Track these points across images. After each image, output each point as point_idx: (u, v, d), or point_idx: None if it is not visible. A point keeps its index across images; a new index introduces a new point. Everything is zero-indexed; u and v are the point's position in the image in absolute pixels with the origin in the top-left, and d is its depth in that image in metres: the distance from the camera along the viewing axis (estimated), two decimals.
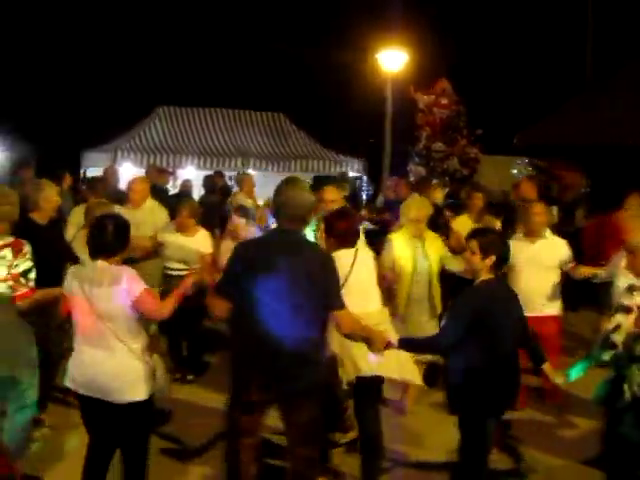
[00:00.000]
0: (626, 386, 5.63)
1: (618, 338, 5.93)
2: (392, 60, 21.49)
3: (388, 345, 5.42)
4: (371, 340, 5.39)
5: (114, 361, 5.15)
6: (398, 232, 8.28)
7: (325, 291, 5.13)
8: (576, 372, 5.87)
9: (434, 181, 15.80)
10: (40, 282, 5.85)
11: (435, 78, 22.54)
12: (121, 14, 34.73)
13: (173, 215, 9.23)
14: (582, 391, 7.28)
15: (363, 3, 29.75)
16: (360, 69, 25.66)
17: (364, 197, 22.36)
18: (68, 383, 5.36)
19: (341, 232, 6.08)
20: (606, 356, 5.99)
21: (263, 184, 16.36)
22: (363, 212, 12.57)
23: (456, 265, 7.84)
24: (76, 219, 8.88)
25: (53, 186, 7.65)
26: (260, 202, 12.61)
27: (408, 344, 5.64)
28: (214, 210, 12.64)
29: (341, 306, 5.22)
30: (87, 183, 11.06)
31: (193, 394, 8.47)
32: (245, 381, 5.17)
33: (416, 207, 8.17)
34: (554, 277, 8.16)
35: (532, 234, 8.26)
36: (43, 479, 6.14)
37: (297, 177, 5.64)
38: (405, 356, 6.21)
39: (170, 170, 18.66)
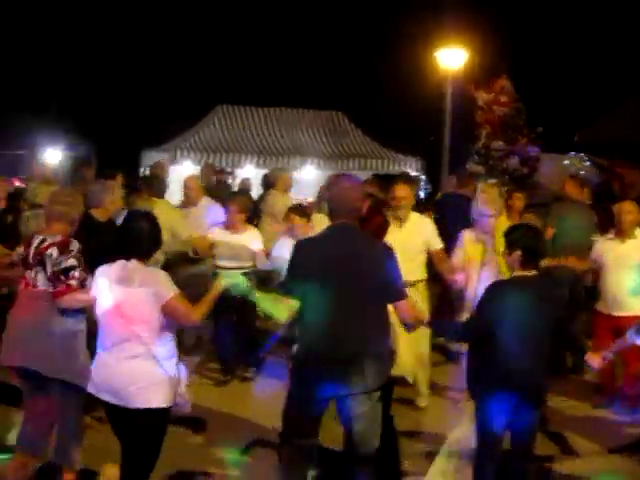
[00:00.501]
0: None
1: None
2: (452, 58, 21.34)
3: (420, 322, 5.50)
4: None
5: (133, 364, 4.95)
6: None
7: (388, 281, 5.17)
8: None
9: (492, 180, 15.63)
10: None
11: (494, 76, 22.31)
12: (183, 13, 35.05)
13: None
14: None
15: (423, 1, 29.63)
16: (419, 67, 25.53)
17: (422, 196, 22.24)
18: (90, 388, 5.21)
19: (377, 226, 6.18)
20: None
21: (322, 183, 16.33)
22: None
23: None
24: None
25: (120, 189, 7.90)
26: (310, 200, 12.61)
27: (438, 324, 5.68)
28: None
29: (405, 295, 5.28)
30: (143, 180, 11.16)
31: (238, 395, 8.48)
32: (308, 378, 5.15)
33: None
34: None
35: (622, 234, 8.11)
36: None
37: (345, 173, 5.69)
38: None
39: (228, 170, 18.78)
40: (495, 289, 5.47)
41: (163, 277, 5.07)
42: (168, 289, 4.97)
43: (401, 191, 7.83)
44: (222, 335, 9.09)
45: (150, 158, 23.80)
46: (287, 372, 8.64)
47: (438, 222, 8.97)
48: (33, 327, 5.68)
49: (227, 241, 8.84)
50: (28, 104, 32.46)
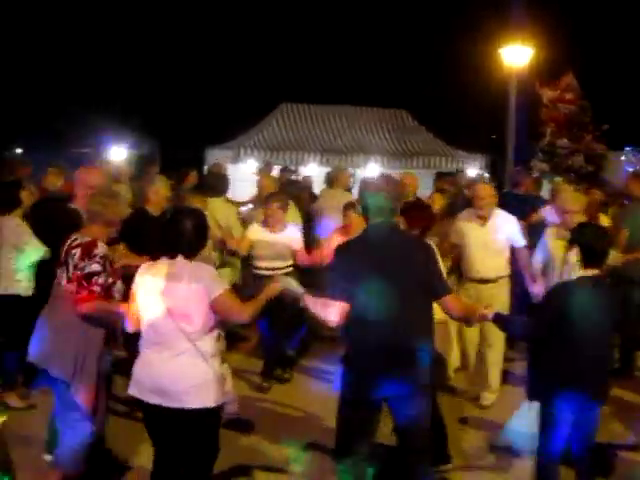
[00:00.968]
0: None
1: None
2: (516, 55, 21.10)
3: (483, 318, 5.49)
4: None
5: (180, 362, 4.80)
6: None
7: (432, 278, 5.22)
8: None
9: (559, 178, 15.53)
10: None
11: (559, 73, 22.08)
12: (247, 13, 35.30)
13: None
14: None
15: None
16: (483, 65, 25.33)
17: None
18: (131, 389, 4.99)
19: (423, 225, 6.49)
20: None
21: None
22: None
23: None
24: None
25: (164, 180, 8.07)
26: None
27: (501, 320, 5.65)
28: None
29: (449, 291, 5.34)
30: (200, 179, 11.32)
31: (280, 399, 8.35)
32: (363, 380, 5.12)
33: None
34: None
35: None
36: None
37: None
38: None
39: (292, 168, 18.82)
40: (556, 291, 5.52)
41: (212, 273, 4.96)
42: (218, 285, 4.87)
43: (482, 191, 8.09)
44: (268, 337, 8.79)
45: (213, 156, 23.98)
46: (324, 373, 8.78)
47: None
48: (50, 324, 5.71)
49: (267, 240, 8.56)
50: (94, 103, 33.01)
